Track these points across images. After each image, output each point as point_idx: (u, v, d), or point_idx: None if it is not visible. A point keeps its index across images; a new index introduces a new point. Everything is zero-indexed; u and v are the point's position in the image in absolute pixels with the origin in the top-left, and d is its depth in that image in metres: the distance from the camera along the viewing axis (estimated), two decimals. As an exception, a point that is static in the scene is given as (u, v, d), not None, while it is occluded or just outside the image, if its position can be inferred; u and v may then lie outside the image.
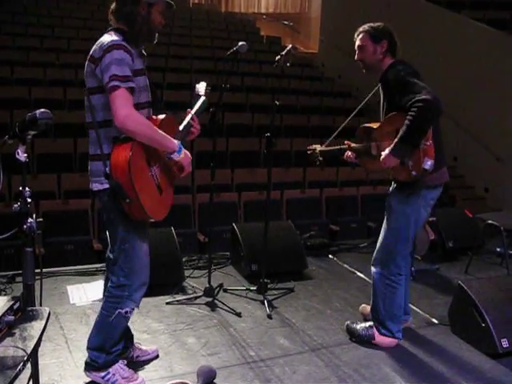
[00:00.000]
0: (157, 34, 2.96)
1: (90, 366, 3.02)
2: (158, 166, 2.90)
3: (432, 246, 5.57)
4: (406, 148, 3.25)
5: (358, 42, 3.58)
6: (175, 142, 2.86)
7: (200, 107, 3.14)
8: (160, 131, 2.80)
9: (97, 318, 3.03)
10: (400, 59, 3.54)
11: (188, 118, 3.07)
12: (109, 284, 3.01)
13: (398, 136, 3.23)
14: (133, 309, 3.00)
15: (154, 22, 2.89)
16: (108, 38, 2.74)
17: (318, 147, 4.03)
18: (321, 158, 4.01)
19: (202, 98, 3.17)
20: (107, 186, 2.78)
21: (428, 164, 3.23)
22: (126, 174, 2.64)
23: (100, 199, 2.91)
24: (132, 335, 3.37)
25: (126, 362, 3.17)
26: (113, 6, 2.87)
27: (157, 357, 3.46)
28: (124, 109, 2.64)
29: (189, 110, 3.13)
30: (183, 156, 2.89)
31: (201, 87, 3.22)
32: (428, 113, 3.13)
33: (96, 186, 2.87)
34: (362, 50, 3.55)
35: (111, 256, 3.06)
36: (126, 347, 3.30)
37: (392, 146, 3.28)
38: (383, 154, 3.35)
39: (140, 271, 2.96)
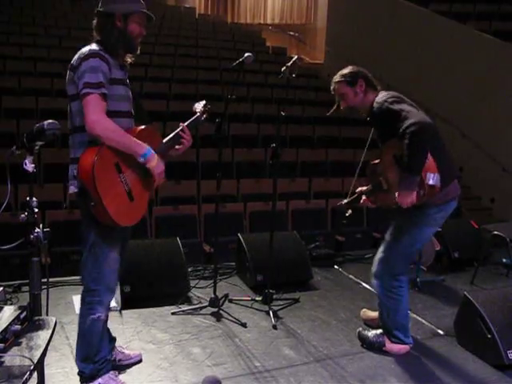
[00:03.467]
0: (139, 46, 3.02)
1: (80, 378, 3.04)
2: (131, 173, 2.90)
3: (438, 257, 5.56)
4: (415, 177, 3.25)
5: (337, 93, 3.68)
6: (144, 146, 2.87)
7: (191, 122, 3.27)
8: (129, 137, 2.84)
9: (78, 328, 3.05)
10: (380, 90, 3.60)
11: (177, 130, 3.17)
12: (82, 290, 3.04)
13: (404, 170, 3.26)
14: (104, 313, 3.02)
15: (132, 33, 2.95)
16: (87, 47, 2.85)
17: (344, 201, 3.97)
18: (350, 211, 3.93)
19: (197, 115, 3.33)
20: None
21: (433, 178, 3.24)
22: (89, 175, 2.67)
23: (79, 201, 2.93)
24: (113, 338, 3.38)
25: (117, 372, 3.15)
26: (94, 21, 2.97)
27: (140, 361, 3.48)
28: (93, 115, 2.73)
29: (181, 123, 3.22)
30: (153, 164, 2.90)
31: (199, 106, 3.38)
32: (422, 134, 3.16)
33: (71, 189, 2.91)
34: (345, 97, 3.66)
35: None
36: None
37: (402, 182, 3.30)
38: (397, 196, 3.35)
39: (108, 277, 2.98)
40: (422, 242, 3.62)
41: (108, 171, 2.78)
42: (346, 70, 3.67)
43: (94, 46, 2.85)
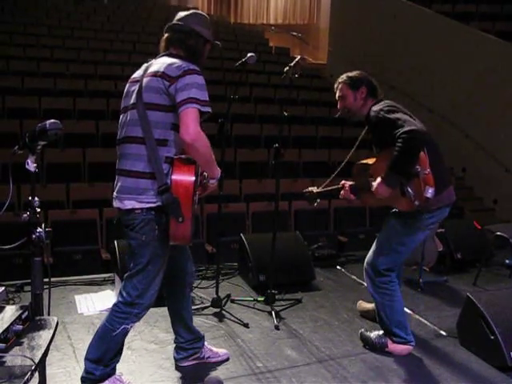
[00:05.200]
0: None
1: (86, 380, 2.95)
2: (197, 192, 2.96)
3: (440, 258, 5.55)
4: (396, 177, 3.35)
5: (338, 93, 3.76)
6: (218, 168, 2.97)
7: None
8: (213, 156, 2.87)
9: (99, 329, 2.97)
10: (379, 99, 3.66)
11: None
12: (118, 299, 2.94)
13: (389, 165, 3.33)
14: (135, 324, 2.99)
15: (204, 56, 3.01)
16: (182, 62, 2.78)
17: (315, 189, 4.07)
18: (318, 200, 4.07)
19: None
20: (146, 205, 2.76)
21: (429, 192, 3.31)
22: (189, 194, 2.69)
23: (132, 218, 2.81)
24: (202, 336, 3.47)
25: (122, 373, 3.14)
26: (172, 35, 2.95)
27: (227, 359, 3.55)
28: (197, 126, 2.67)
29: None
30: (217, 183, 3.06)
31: None
32: (413, 141, 3.22)
33: (131, 204, 2.79)
34: (343, 99, 3.74)
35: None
36: (198, 348, 3.43)
37: (383, 175, 3.38)
38: (375, 183, 3.45)
39: (152, 293, 2.93)
40: (412, 244, 3.67)
41: (195, 190, 2.78)
42: (353, 73, 3.73)
43: (188, 62, 2.79)
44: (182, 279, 3.26)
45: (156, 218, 2.78)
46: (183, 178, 2.71)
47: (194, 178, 2.71)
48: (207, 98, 2.75)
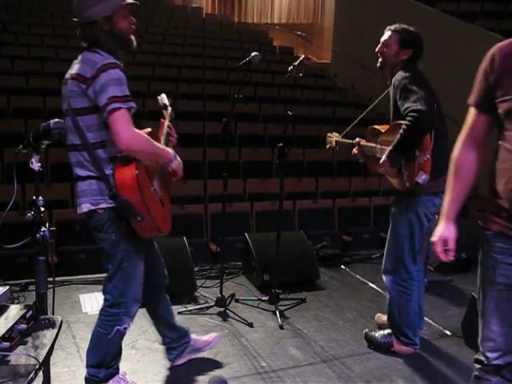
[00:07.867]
0: (133, 38, 2.84)
1: (90, 381, 2.95)
2: (157, 180, 2.92)
3: (445, 257, 5.52)
4: (398, 156, 3.36)
5: (385, 37, 3.60)
6: (171, 151, 2.91)
7: (171, 116, 3.26)
8: (158, 144, 2.84)
9: (93, 336, 2.95)
10: (413, 66, 3.54)
11: (165, 128, 3.15)
12: (104, 304, 2.92)
13: (393, 144, 3.33)
14: (130, 324, 2.96)
15: (122, 30, 2.76)
16: (98, 56, 2.65)
17: (336, 137, 4.10)
18: (337, 148, 4.08)
19: (170, 108, 3.30)
20: (104, 205, 2.72)
21: (422, 178, 3.30)
22: (135, 191, 2.62)
23: (95, 220, 2.79)
24: (188, 329, 3.45)
25: (126, 373, 3.13)
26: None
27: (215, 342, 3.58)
28: (127, 130, 2.58)
29: (162, 120, 3.20)
30: (178, 163, 2.94)
31: (164, 98, 3.34)
32: (420, 123, 3.20)
33: (86, 207, 2.75)
34: (385, 46, 3.59)
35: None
36: (187, 342, 3.40)
37: (387, 152, 3.38)
38: (383, 157, 3.44)
39: (136, 289, 2.91)
40: (420, 232, 3.57)
41: (146, 183, 2.73)
42: (411, 30, 3.58)
43: (104, 55, 2.65)
44: (157, 283, 3.24)
45: (120, 215, 2.72)
46: (124, 178, 2.63)
47: (135, 174, 2.61)
48: (127, 93, 2.62)
